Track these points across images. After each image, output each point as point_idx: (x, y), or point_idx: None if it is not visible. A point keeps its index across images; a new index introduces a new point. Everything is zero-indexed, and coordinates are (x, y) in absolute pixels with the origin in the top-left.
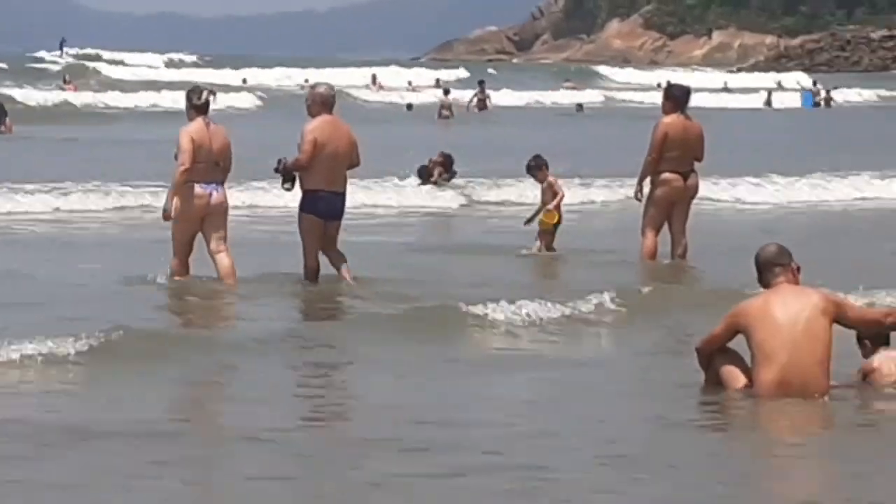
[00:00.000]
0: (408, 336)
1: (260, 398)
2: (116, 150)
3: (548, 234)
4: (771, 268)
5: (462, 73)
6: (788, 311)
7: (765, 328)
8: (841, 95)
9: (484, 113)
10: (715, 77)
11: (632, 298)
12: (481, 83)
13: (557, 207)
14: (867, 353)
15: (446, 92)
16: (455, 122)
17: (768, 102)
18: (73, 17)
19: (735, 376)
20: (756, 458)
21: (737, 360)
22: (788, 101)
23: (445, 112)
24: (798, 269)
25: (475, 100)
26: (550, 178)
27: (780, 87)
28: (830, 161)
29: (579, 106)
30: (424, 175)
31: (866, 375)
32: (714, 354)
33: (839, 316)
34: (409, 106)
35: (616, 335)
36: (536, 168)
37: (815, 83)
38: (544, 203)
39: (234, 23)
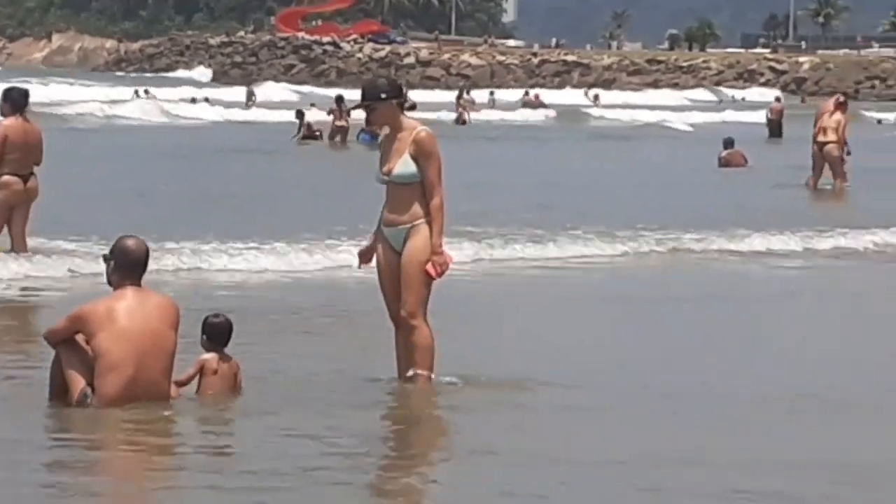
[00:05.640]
0: None
1: None
2: None
3: None
4: (131, 267)
5: None
6: (135, 320)
7: (110, 339)
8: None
9: None
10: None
11: None
12: None
13: None
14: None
15: None
16: None
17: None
18: None
19: (76, 383)
20: None
21: (81, 365)
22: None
23: None
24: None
25: None
26: None
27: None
28: None
29: None
30: None
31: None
32: (62, 352)
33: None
34: None
35: None
36: None
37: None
38: None
39: None
